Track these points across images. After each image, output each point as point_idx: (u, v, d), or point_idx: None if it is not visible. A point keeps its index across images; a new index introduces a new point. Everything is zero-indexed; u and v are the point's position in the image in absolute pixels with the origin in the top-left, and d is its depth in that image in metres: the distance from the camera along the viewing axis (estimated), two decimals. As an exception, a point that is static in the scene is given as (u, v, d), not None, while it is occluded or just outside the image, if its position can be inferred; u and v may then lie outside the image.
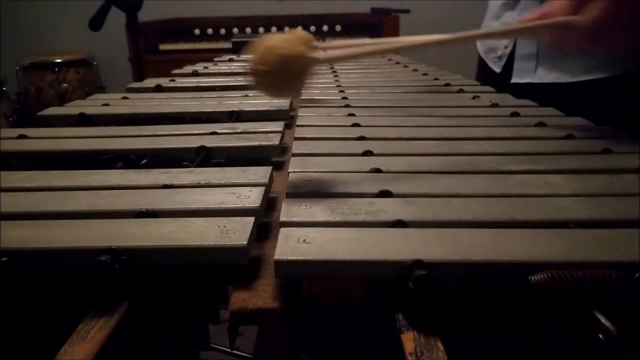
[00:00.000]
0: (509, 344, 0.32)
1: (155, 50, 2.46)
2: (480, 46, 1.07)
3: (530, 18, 0.61)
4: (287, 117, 0.73)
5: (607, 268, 0.31)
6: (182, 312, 0.37)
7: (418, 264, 0.31)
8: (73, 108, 0.78)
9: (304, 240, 0.34)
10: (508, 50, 0.96)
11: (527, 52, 0.93)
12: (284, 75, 0.45)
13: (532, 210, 0.40)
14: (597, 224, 0.37)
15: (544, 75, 0.91)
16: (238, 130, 0.62)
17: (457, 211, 0.39)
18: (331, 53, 0.55)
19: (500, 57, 0.99)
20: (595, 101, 0.83)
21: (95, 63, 2.75)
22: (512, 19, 0.94)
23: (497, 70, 0.99)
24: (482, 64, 1.06)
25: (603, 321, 0.29)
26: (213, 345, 1.15)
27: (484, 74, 1.04)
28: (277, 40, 0.45)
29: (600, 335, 0.29)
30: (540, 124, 0.65)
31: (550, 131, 0.63)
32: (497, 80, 0.97)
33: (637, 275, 0.31)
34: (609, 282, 0.30)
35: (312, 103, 0.78)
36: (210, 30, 2.56)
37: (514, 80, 0.95)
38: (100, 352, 0.28)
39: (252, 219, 0.37)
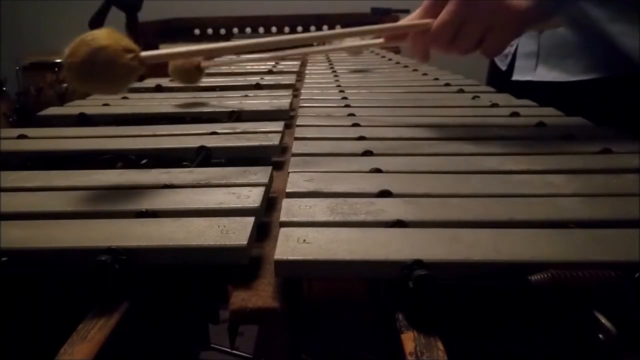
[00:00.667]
0: (509, 344, 0.32)
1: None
2: None
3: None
4: (287, 117, 0.73)
5: (607, 268, 0.31)
6: (182, 312, 0.37)
7: (418, 264, 0.31)
8: (73, 108, 0.78)
9: (304, 240, 0.34)
10: (513, 49, 0.96)
11: (528, 50, 0.93)
12: (97, 71, 0.43)
13: (532, 210, 0.40)
14: (597, 224, 0.37)
15: (544, 74, 0.91)
16: (238, 130, 0.62)
17: (457, 211, 0.39)
18: (153, 52, 0.51)
19: (506, 55, 0.99)
20: (597, 101, 0.83)
21: (95, 63, 2.75)
22: None
23: (503, 68, 0.99)
24: (492, 63, 1.06)
25: (603, 321, 0.29)
26: (213, 345, 1.15)
27: (494, 73, 1.04)
28: (95, 33, 0.43)
29: (600, 335, 0.29)
30: (540, 124, 0.65)
31: (551, 131, 0.63)
32: (506, 78, 0.97)
33: (637, 275, 0.31)
34: (609, 282, 0.30)
35: (312, 103, 0.78)
36: (210, 30, 2.56)
37: (514, 77, 0.95)
38: (100, 352, 0.28)
39: (252, 219, 0.37)
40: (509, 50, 0.97)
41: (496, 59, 1.02)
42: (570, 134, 0.60)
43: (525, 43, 0.94)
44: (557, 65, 0.90)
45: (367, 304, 0.35)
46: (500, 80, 0.97)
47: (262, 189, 0.42)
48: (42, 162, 0.55)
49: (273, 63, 1.22)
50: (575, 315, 0.30)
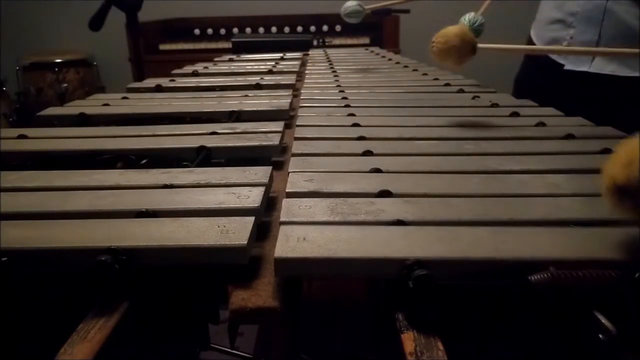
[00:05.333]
0: (509, 344, 0.32)
1: (155, 50, 2.46)
2: (539, 39, 1.04)
3: None
4: (287, 117, 0.73)
5: (607, 267, 0.31)
6: (182, 312, 0.37)
7: (418, 263, 0.31)
8: (73, 108, 0.78)
9: (304, 239, 0.34)
10: (573, 40, 0.93)
11: (586, 39, 0.89)
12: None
13: (532, 210, 0.40)
14: (597, 224, 0.37)
15: (602, 66, 0.87)
16: (238, 130, 0.62)
17: (457, 211, 0.39)
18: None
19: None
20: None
21: (95, 63, 2.75)
22: (578, 7, 0.92)
23: (564, 62, 0.95)
24: (532, 58, 1.03)
25: (603, 321, 0.29)
26: (213, 345, 1.15)
27: (536, 68, 1.00)
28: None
29: (600, 335, 0.29)
30: (540, 124, 0.65)
31: (550, 131, 0.63)
32: (551, 73, 0.94)
33: (637, 275, 0.31)
34: (609, 282, 0.30)
35: (312, 103, 0.78)
36: (210, 30, 2.56)
37: (567, 67, 0.91)
38: (100, 352, 0.28)
39: (252, 218, 0.37)
40: (570, 43, 0.93)
41: (553, 54, 0.98)
42: (570, 134, 0.60)
43: (583, 30, 0.90)
44: (617, 58, 0.85)
45: (367, 304, 0.35)
46: (546, 75, 0.93)
47: (262, 189, 0.42)
48: (42, 162, 0.55)
49: (273, 63, 1.22)
50: (575, 315, 0.30)
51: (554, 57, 0.98)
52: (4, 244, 0.34)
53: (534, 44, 1.05)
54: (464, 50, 0.62)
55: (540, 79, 0.89)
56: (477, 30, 0.96)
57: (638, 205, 0.31)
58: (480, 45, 0.64)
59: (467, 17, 0.95)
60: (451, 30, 0.63)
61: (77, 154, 0.56)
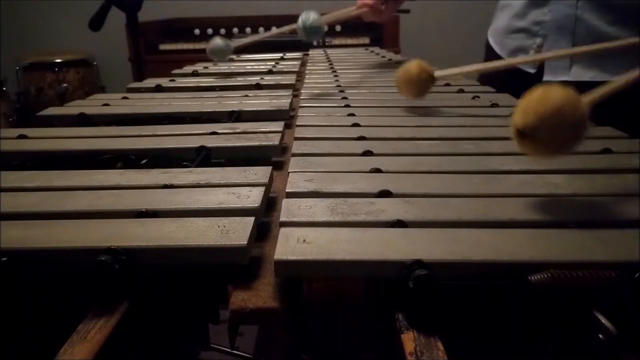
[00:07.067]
0: (509, 344, 0.32)
1: (155, 50, 2.46)
2: (501, 47, 1.03)
3: None
4: (287, 117, 0.73)
5: (607, 268, 0.31)
6: (182, 312, 0.37)
7: (418, 264, 0.31)
8: (73, 108, 0.78)
9: (304, 240, 0.34)
10: (542, 49, 0.92)
11: (560, 47, 0.89)
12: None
13: (532, 210, 0.40)
14: (597, 224, 0.37)
15: (581, 73, 0.87)
16: (238, 130, 0.62)
17: (457, 211, 0.39)
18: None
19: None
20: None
21: (95, 63, 2.75)
22: (544, 16, 0.92)
23: (532, 71, 0.95)
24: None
25: (603, 321, 0.29)
26: (213, 345, 1.15)
27: (496, 76, 1.01)
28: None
29: (600, 335, 0.29)
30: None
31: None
32: (519, 81, 0.95)
33: (637, 275, 0.31)
34: (609, 282, 0.30)
35: (312, 103, 0.78)
36: (210, 30, 2.56)
37: (546, 78, 0.91)
38: (100, 352, 0.28)
39: (252, 218, 0.37)
40: (537, 51, 0.93)
41: (518, 63, 0.97)
42: (570, 134, 0.60)
43: (556, 40, 0.90)
44: (595, 64, 0.85)
45: (367, 304, 0.35)
46: (513, 83, 0.95)
47: (262, 189, 0.42)
48: (42, 162, 0.55)
49: (273, 63, 1.22)
50: (575, 315, 0.30)
51: (522, 65, 0.97)
52: (4, 244, 0.34)
53: (494, 51, 1.03)
54: (423, 78, 0.70)
55: (504, 86, 0.88)
56: (311, 28, 0.99)
57: (535, 146, 0.38)
58: (438, 72, 0.71)
59: (303, 17, 0.99)
60: (410, 63, 0.71)
61: (77, 154, 0.56)
